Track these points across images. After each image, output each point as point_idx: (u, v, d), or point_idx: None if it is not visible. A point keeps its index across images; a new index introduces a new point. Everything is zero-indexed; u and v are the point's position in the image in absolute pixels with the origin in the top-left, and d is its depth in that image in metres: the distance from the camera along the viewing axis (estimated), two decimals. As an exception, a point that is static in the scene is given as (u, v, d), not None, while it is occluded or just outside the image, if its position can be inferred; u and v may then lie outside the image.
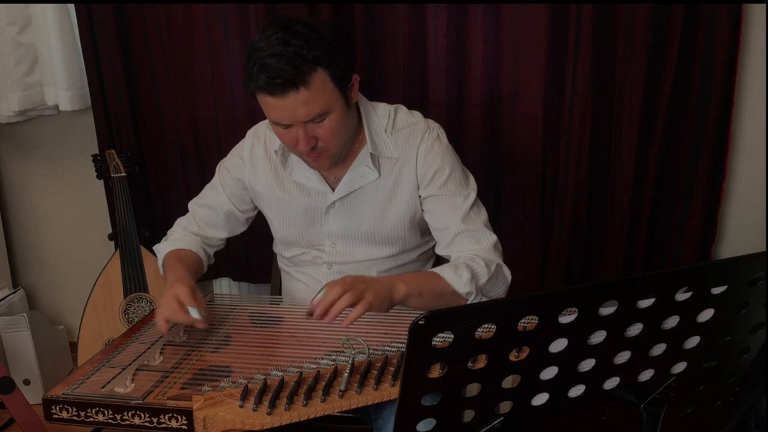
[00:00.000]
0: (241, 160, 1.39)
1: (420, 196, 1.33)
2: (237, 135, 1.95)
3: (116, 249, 2.08)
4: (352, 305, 1.08)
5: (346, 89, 1.20)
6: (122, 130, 2.10)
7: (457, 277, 1.21)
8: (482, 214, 1.33)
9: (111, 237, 2.13)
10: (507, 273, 1.30)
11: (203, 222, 1.44)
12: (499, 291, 1.30)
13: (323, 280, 1.37)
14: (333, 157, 1.25)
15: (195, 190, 2.07)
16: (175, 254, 1.37)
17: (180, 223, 1.47)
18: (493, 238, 1.31)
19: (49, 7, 1.99)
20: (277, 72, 1.11)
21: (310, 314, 1.09)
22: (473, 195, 1.33)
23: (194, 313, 1.17)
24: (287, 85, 1.12)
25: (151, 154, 2.13)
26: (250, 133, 1.42)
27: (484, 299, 1.26)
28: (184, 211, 1.52)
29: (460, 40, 1.83)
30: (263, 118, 1.47)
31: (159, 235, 2.15)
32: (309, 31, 1.14)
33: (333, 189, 1.33)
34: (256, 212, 1.46)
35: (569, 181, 1.87)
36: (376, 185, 1.32)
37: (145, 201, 2.18)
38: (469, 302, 1.23)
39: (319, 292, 1.09)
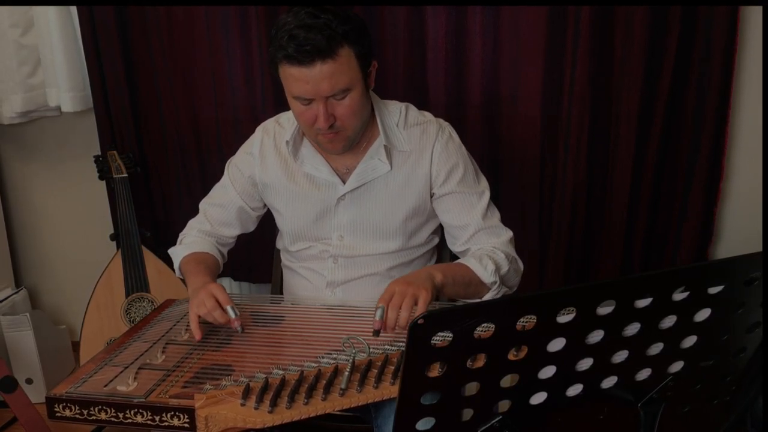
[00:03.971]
0: (251, 157, 1.40)
1: (434, 195, 1.35)
2: (238, 135, 1.96)
3: (118, 249, 2.09)
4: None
5: (367, 71, 1.23)
6: (124, 131, 2.11)
7: (482, 267, 1.27)
8: (497, 213, 1.38)
9: (113, 237, 2.14)
10: (521, 264, 1.37)
11: (216, 221, 1.45)
12: (515, 281, 1.36)
13: (328, 274, 1.39)
14: (348, 139, 1.26)
15: (196, 190, 2.09)
16: (194, 258, 1.39)
17: (192, 225, 1.48)
18: (510, 233, 1.37)
19: (52, 9, 2.00)
20: (307, 41, 1.13)
21: (377, 333, 1.12)
22: (488, 193, 1.37)
23: (232, 312, 1.19)
24: (315, 53, 1.13)
25: (153, 155, 2.14)
26: (259, 129, 1.43)
27: (504, 289, 1.31)
28: (186, 211, 1.52)
29: (459, 42, 1.84)
30: (264, 117, 1.49)
31: (160, 235, 2.17)
32: (337, 9, 1.17)
33: (343, 181, 1.34)
34: (265, 210, 1.48)
35: (568, 181, 1.88)
36: (387, 178, 1.34)
37: (147, 201, 2.19)
38: (491, 291, 1.29)
39: (376, 309, 1.12)
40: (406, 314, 1.11)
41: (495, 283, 1.28)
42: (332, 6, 1.17)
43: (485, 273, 1.26)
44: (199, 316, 1.20)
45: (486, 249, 1.32)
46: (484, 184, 1.38)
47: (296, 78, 1.17)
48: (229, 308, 1.19)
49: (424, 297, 1.12)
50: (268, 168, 1.38)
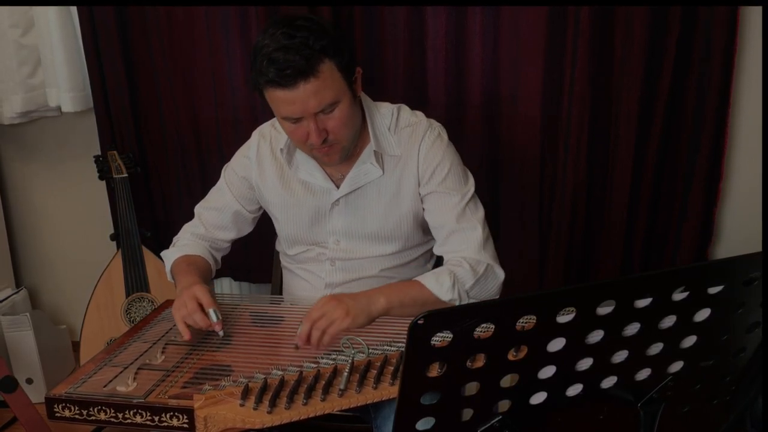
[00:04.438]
0: (248, 160, 1.40)
1: (420, 194, 1.34)
2: (238, 135, 1.97)
3: (118, 249, 2.10)
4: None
5: (352, 80, 1.22)
6: (124, 131, 2.11)
7: (438, 285, 1.23)
8: (478, 212, 1.34)
9: (113, 237, 2.14)
10: (498, 272, 1.31)
11: (211, 224, 1.45)
12: (490, 291, 1.30)
13: (326, 276, 1.39)
14: (343, 150, 1.26)
15: (196, 190, 2.09)
16: (185, 259, 1.38)
17: (187, 228, 1.47)
18: (484, 235, 1.31)
19: (52, 9, 2.00)
20: (287, 63, 1.12)
21: (297, 347, 1.14)
22: (470, 193, 1.34)
23: (213, 316, 1.18)
24: (297, 75, 1.13)
25: (153, 155, 2.14)
26: (255, 133, 1.43)
27: (473, 302, 1.27)
28: (186, 211, 1.52)
29: (459, 42, 1.84)
30: (264, 118, 1.49)
31: (160, 235, 2.17)
32: (311, 24, 1.16)
33: (337, 186, 1.34)
34: (261, 212, 1.47)
35: (567, 181, 1.88)
36: (380, 182, 1.33)
37: (147, 201, 2.19)
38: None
39: (301, 324, 1.13)
40: (315, 337, 1.11)
41: (454, 300, 1.24)
42: (306, 20, 1.16)
43: (441, 290, 1.23)
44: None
45: (454, 260, 1.29)
46: (470, 183, 1.36)
47: (282, 100, 1.17)
48: (211, 311, 1.18)
49: (337, 325, 1.11)
50: (265, 173, 1.38)
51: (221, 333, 1.19)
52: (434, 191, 1.32)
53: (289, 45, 1.12)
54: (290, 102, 1.16)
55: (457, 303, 1.24)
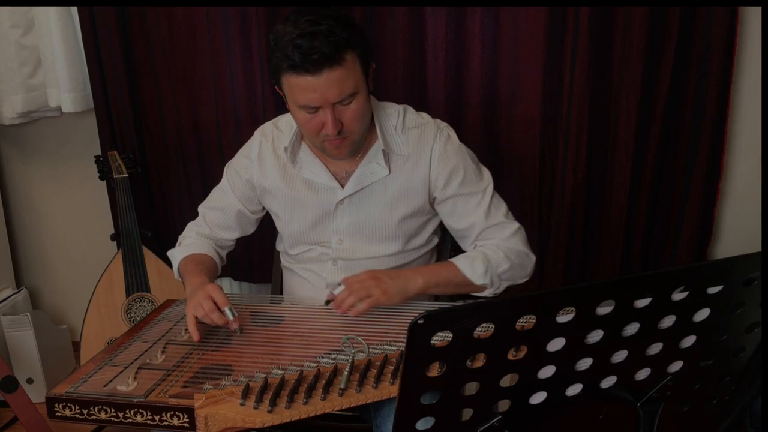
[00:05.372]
0: (249, 161, 1.40)
1: (435, 198, 1.35)
2: (238, 136, 1.97)
3: (118, 249, 2.10)
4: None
5: (368, 74, 1.23)
6: (124, 132, 2.12)
7: (472, 270, 1.28)
8: (502, 206, 1.37)
9: (113, 237, 2.15)
10: (532, 256, 1.37)
11: (214, 224, 1.45)
12: (525, 272, 1.37)
13: (328, 276, 1.39)
14: (353, 144, 1.27)
15: (196, 190, 2.10)
16: (192, 259, 1.39)
17: (191, 227, 1.48)
18: (514, 226, 1.36)
19: (52, 10, 2.00)
20: (314, 49, 1.12)
21: (327, 302, 1.25)
22: (491, 188, 1.37)
23: (230, 314, 1.20)
24: (323, 61, 1.12)
25: (153, 155, 2.15)
26: (257, 132, 1.43)
27: (506, 284, 1.33)
28: (186, 211, 1.52)
29: (458, 43, 1.84)
30: (265, 119, 1.49)
31: (161, 235, 2.18)
32: (335, 13, 1.16)
33: (342, 185, 1.34)
34: (264, 213, 1.48)
35: (567, 182, 1.88)
36: (386, 182, 1.34)
37: (147, 201, 2.19)
38: (489, 290, 1.31)
39: (338, 285, 1.22)
40: (349, 302, 1.20)
41: (486, 284, 1.29)
42: (330, 10, 1.16)
43: (474, 275, 1.29)
44: (197, 318, 1.20)
45: (488, 246, 1.33)
46: (487, 178, 1.38)
47: (303, 87, 1.16)
48: (227, 310, 1.20)
49: (374, 299, 1.19)
50: (267, 173, 1.38)
51: (239, 331, 1.21)
52: (455, 195, 1.34)
53: (315, 31, 1.12)
54: (311, 89, 1.15)
55: (489, 288, 1.30)
